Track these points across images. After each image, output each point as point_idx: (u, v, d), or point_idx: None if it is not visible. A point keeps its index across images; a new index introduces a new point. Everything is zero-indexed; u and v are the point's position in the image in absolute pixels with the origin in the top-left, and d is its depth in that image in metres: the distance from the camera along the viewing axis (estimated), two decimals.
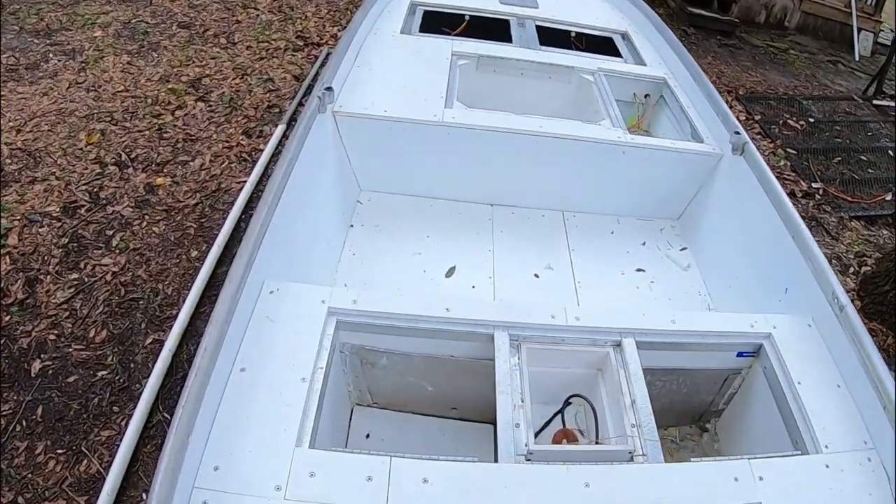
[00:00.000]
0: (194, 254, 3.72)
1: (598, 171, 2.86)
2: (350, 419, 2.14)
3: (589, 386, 2.01)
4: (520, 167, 2.83)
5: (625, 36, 3.89)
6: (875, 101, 6.24)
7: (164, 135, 4.56)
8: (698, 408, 2.34)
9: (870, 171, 5.15)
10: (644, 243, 2.93)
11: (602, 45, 3.85)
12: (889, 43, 8.41)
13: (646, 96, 3.48)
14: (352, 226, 2.72)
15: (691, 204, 3.04)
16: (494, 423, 1.69)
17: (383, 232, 2.71)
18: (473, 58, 3.27)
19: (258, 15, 5.90)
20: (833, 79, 7.16)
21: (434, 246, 2.68)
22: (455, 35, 3.74)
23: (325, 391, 1.69)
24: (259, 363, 1.66)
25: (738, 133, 2.77)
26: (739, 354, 2.12)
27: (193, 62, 5.30)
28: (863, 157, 5.30)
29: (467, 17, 3.79)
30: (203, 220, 3.95)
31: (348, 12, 6.14)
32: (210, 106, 4.81)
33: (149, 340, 3.22)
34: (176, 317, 3.25)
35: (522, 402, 1.73)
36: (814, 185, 4.90)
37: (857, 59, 7.75)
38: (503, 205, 2.96)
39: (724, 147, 2.85)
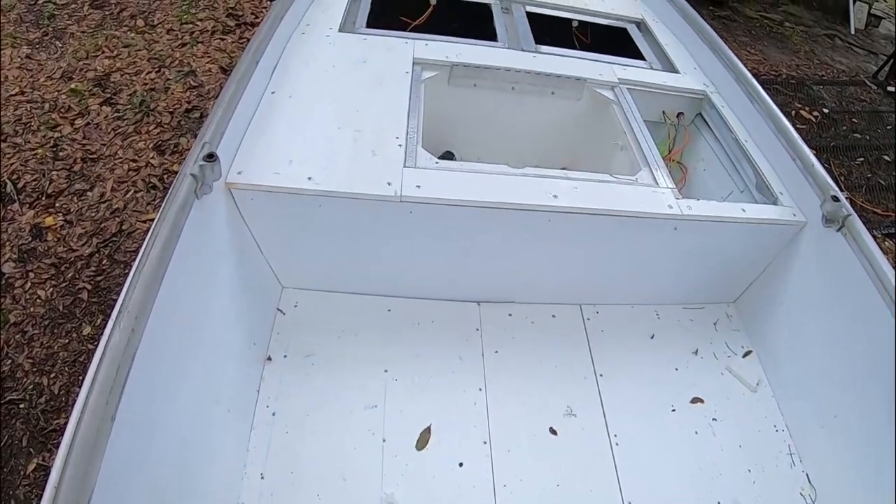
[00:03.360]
0: (87, 331, 2.62)
1: (635, 250, 1.81)
2: None
3: None
4: (521, 251, 1.76)
5: (641, 25, 2.75)
6: (889, 88, 5.22)
7: (61, 153, 3.34)
8: None
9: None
10: (696, 351, 1.91)
11: (613, 39, 2.72)
12: (882, 14, 7.35)
13: (678, 115, 2.39)
14: (269, 359, 1.63)
15: (754, 284, 2.03)
16: None
17: (318, 368, 1.63)
18: (444, 67, 2.12)
19: None
20: (832, 55, 6.10)
21: (397, 389, 1.61)
22: (417, 25, 2.57)
23: None
24: None
25: (836, 199, 1.74)
26: None
27: (103, 52, 3.97)
28: (886, 157, 4.32)
29: (433, 2, 2.60)
30: (99, 279, 2.81)
31: None
32: (117, 111, 3.55)
33: (31, 466, 2.22)
34: (63, 430, 2.19)
35: None
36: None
37: (852, 31, 6.68)
38: (496, 301, 1.88)
39: (808, 212, 1.83)
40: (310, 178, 1.54)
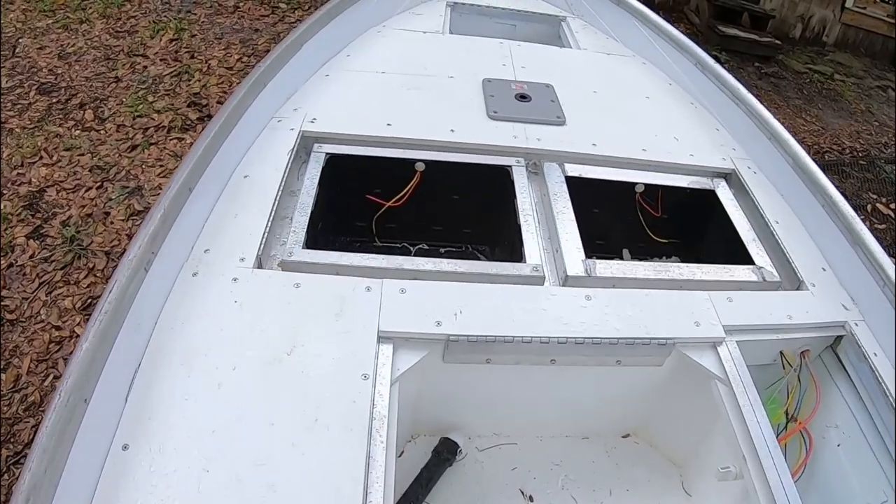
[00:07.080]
0: None
1: None
2: None
3: None
4: None
5: (732, 180, 1.77)
6: None
7: None
8: None
9: None
10: None
11: (695, 207, 1.75)
12: None
13: (802, 354, 1.42)
14: None
15: None
16: None
17: None
18: (434, 342, 1.15)
19: (146, 67, 3.60)
20: (888, 112, 5.03)
21: None
22: (394, 206, 1.63)
23: None
24: None
25: None
26: None
27: (42, 157, 3.07)
28: None
29: (420, 168, 1.61)
30: None
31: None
32: (46, 247, 2.66)
33: None
34: None
35: None
36: None
37: None
38: None
39: None
40: None
